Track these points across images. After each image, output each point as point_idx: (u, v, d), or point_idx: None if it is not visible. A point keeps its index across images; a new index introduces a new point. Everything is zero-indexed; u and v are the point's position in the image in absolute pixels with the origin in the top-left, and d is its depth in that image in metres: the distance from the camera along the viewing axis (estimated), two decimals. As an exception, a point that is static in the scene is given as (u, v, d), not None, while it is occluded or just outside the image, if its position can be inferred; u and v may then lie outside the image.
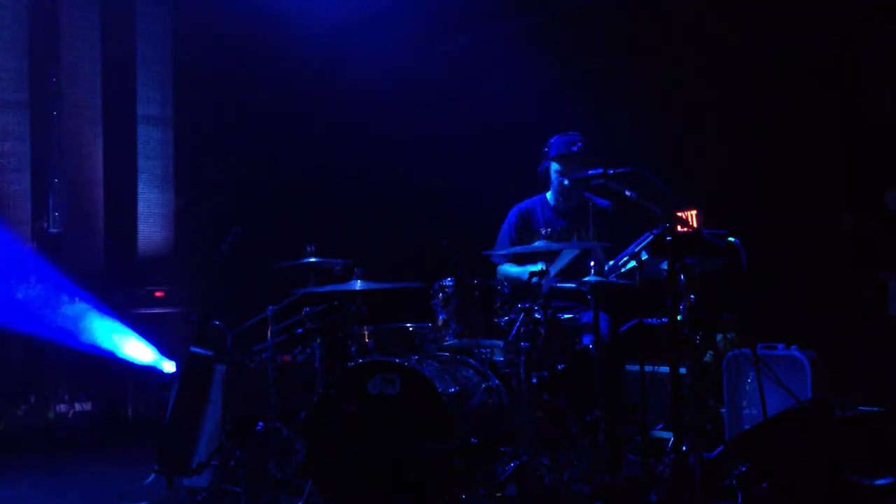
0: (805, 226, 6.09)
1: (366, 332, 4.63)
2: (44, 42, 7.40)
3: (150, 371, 7.18)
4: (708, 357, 5.07)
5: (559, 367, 4.54)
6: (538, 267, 4.44)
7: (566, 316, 4.65)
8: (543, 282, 4.38)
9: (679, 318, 3.95)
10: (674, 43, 6.73)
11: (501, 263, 5.35)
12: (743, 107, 6.42)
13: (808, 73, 6.13)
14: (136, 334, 7.03)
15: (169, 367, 6.89)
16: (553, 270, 4.86)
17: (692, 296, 4.03)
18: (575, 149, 5.14)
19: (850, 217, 5.99)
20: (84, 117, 7.56)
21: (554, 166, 5.24)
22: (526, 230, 5.30)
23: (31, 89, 7.28)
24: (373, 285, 4.70)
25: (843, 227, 6.01)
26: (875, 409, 4.68)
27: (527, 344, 4.29)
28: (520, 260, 5.25)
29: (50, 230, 7.36)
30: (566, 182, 5.14)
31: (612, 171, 4.22)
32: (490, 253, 5.26)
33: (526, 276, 4.47)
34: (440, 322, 4.58)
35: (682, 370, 4.03)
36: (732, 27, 6.42)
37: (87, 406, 7.07)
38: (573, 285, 4.59)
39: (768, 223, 6.03)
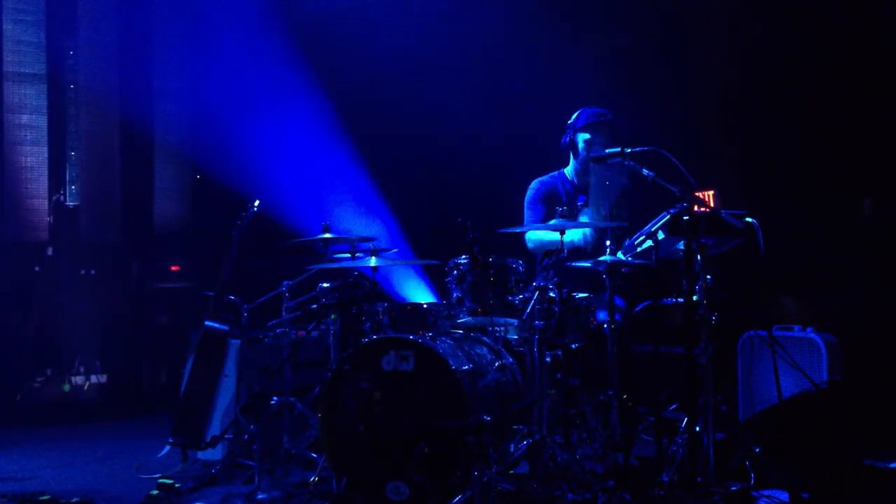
0: (824, 209, 6.05)
1: (380, 309, 4.63)
2: (61, 15, 7.39)
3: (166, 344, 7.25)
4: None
5: (573, 346, 4.53)
6: (578, 231, 4.35)
7: (581, 295, 4.64)
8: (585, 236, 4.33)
9: (695, 298, 3.93)
10: (693, 21, 6.67)
11: (531, 231, 5.32)
12: (763, 87, 6.36)
13: (831, 55, 6.06)
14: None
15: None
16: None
17: (708, 276, 4.02)
18: (605, 118, 5.16)
19: (870, 201, 5.94)
20: (101, 90, 7.56)
21: (582, 136, 5.25)
22: (551, 203, 5.30)
23: (49, 62, 7.28)
24: (388, 262, 4.69)
25: (862, 210, 5.96)
26: (890, 392, 4.66)
27: (541, 322, 4.29)
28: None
29: (67, 203, 7.39)
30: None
31: (630, 150, 4.19)
32: (506, 230, 5.25)
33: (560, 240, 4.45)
34: (454, 299, 4.59)
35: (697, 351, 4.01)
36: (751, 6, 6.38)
37: (103, 378, 7.12)
38: (589, 265, 4.58)
39: (787, 205, 5.98)
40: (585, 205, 5.25)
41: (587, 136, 5.24)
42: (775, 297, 5.59)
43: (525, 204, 5.42)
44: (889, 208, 5.82)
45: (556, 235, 4.46)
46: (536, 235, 5.26)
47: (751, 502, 3.94)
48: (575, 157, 5.35)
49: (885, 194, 5.84)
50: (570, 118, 5.32)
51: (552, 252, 4.37)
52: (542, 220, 5.24)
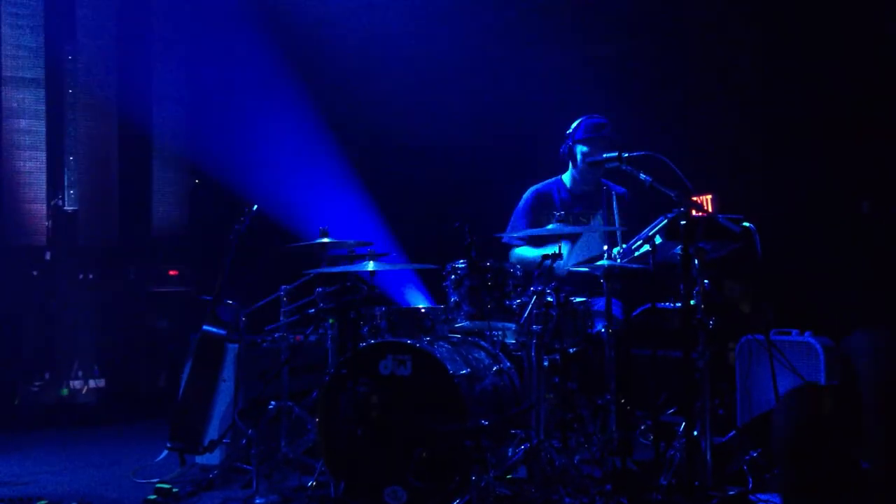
0: (822, 212, 6.05)
1: (378, 313, 4.63)
2: (59, 19, 7.38)
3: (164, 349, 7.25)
4: None
5: (571, 350, 4.53)
6: (552, 250, 4.43)
7: (578, 299, 4.64)
8: (556, 265, 4.37)
9: (692, 303, 3.93)
10: (691, 23, 6.68)
11: (514, 245, 5.34)
12: (759, 92, 6.37)
13: (831, 55, 6.06)
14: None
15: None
16: (571, 261, 4.87)
17: (706, 281, 4.01)
18: (605, 132, 5.17)
19: (868, 203, 5.94)
20: (99, 95, 7.56)
21: (581, 148, 5.25)
22: (542, 212, 5.30)
23: (47, 67, 7.27)
24: (385, 266, 4.69)
25: (860, 213, 5.96)
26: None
27: (539, 327, 4.28)
28: (534, 242, 5.25)
29: (65, 208, 7.38)
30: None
31: (626, 155, 4.20)
32: (502, 235, 5.25)
33: (539, 260, 4.46)
34: (452, 304, 4.58)
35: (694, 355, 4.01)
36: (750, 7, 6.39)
37: (101, 382, 7.12)
38: (586, 270, 4.58)
39: (784, 208, 5.98)
40: (582, 214, 5.27)
41: (585, 148, 5.25)
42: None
43: (514, 212, 5.44)
44: (889, 208, 5.81)
45: (537, 254, 4.49)
46: (519, 251, 5.29)
47: (748, 506, 3.94)
48: (574, 167, 5.36)
49: (885, 194, 5.84)
50: (569, 126, 5.32)
51: (550, 255, 4.37)
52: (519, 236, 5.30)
